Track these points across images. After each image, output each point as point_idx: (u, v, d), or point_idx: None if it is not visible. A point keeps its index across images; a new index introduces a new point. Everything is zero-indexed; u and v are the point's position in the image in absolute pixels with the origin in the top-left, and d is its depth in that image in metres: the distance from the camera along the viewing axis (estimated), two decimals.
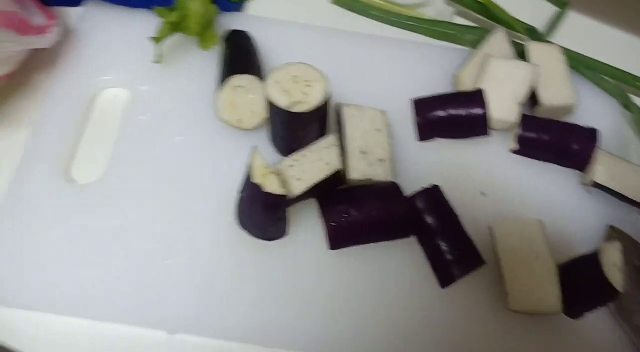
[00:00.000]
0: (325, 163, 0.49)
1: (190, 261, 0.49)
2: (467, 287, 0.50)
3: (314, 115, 0.49)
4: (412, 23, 0.65)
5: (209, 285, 0.48)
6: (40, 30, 0.52)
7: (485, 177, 0.55)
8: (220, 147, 0.54)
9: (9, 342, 0.46)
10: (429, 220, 0.50)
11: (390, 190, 0.50)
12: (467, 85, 0.58)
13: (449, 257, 0.48)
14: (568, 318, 0.49)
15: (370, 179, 0.50)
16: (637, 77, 0.64)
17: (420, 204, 0.50)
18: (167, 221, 0.50)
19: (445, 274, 0.49)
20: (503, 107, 0.55)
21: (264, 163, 0.45)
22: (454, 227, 0.50)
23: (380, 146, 0.52)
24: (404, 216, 0.49)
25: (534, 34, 0.65)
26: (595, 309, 0.48)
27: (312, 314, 0.48)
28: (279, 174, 0.46)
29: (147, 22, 0.59)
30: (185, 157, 0.54)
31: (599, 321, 0.50)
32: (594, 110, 0.61)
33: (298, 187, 0.48)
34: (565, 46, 0.62)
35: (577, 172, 0.56)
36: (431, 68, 0.61)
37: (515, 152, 0.56)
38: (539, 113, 0.58)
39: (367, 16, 0.66)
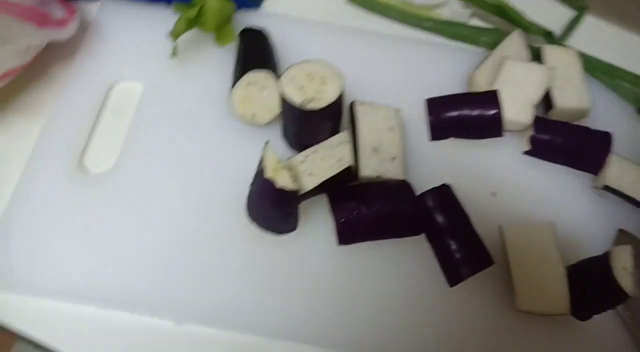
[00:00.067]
0: (336, 159, 0.49)
1: (199, 252, 0.49)
2: (475, 286, 0.50)
3: (327, 113, 0.49)
4: (428, 24, 0.65)
5: (217, 276, 0.49)
6: (59, 23, 0.53)
7: (497, 177, 0.55)
8: (233, 141, 0.55)
9: (20, 328, 0.47)
10: (439, 218, 0.50)
11: (401, 188, 0.50)
12: (481, 86, 0.58)
13: (458, 256, 0.48)
14: (576, 320, 0.48)
15: (381, 177, 0.50)
16: None
17: (430, 203, 0.50)
18: (177, 212, 0.51)
19: (454, 273, 0.49)
20: (517, 108, 0.55)
21: (276, 158, 0.46)
22: (464, 226, 0.50)
23: (392, 144, 0.52)
24: (414, 213, 0.49)
25: (550, 37, 0.65)
26: (603, 312, 0.48)
27: (318, 308, 0.48)
28: (290, 169, 0.47)
29: (164, 17, 0.59)
30: (197, 150, 0.54)
31: (607, 324, 0.50)
32: (608, 114, 0.61)
33: (309, 182, 0.48)
34: (581, 50, 0.62)
35: (589, 175, 0.56)
36: (445, 68, 0.62)
37: (528, 154, 0.56)
38: (553, 116, 0.58)
39: (382, 15, 0.67)
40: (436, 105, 0.56)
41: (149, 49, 0.58)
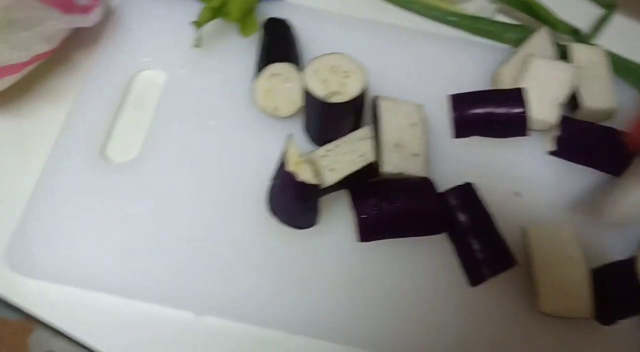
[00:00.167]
0: (358, 155, 0.49)
1: (219, 244, 0.49)
2: (496, 287, 0.49)
3: (350, 107, 0.49)
4: (453, 18, 0.65)
5: (237, 269, 0.49)
6: (84, 9, 0.53)
7: (520, 177, 0.55)
8: (254, 134, 0.54)
9: (40, 315, 0.47)
10: (461, 217, 0.49)
11: (423, 185, 0.49)
12: (506, 83, 0.57)
13: (480, 255, 0.48)
14: (600, 324, 0.48)
15: (403, 173, 0.50)
16: None
17: (452, 201, 0.50)
18: (198, 203, 0.51)
19: (476, 273, 0.48)
20: (543, 107, 0.54)
21: (298, 151, 0.45)
22: (487, 225, 0.49)
23: (415, 140, 0.51)
24: (436, 211, 0.49)
25: (577, 35, 0.64)
26: (628, 317, 0.47)
27: (336, 305, 0.48)
28: (311, 163, 0.46)
29: (188, 6, 0.59)
30: (218, 141, 0.54)
31: (632, 329, 0.49)
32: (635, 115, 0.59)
33: (330, 177, 0.47)
34: (608, 49, 0.61)
35: (614, 177, 0.55)
36: (470, 65, 0.61)
37: (552, 154, 0.55)
38: (579, 116, 0.56)
39: (407, 9, 0.66)
40: (460, 102, 0.56)
41: (173, 38, 0.58)
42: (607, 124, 0.56)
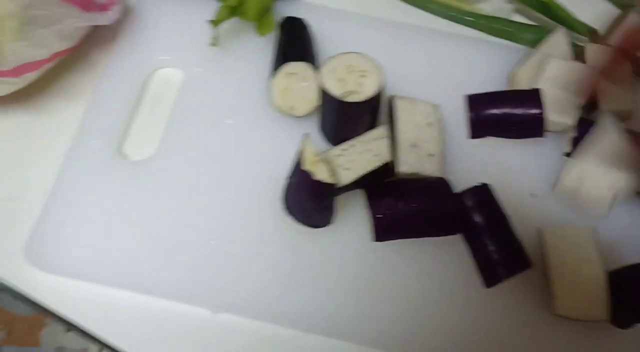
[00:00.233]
0: (374, 154, 0.49)
1: (235, 242, 0.50)
2: (511, 288, 0.49)
3: (367, 106, 0.49)
4: (469, 18, 0.64)
5: (252, 267, 0.49)
6: (102, 7, 0.54)
7: (536, 178, 0.54)
8: (270, 132, 0.55)
9: (55, 309, 0.48)
10: (477, 218, 0.49)
11: (439, 185, 0.49)
12: (523, 84, 0.57)
13: (496, 256, 0.48)
14: (616, 327, 0.47)
15: (419, 173, 0.50)
16: None
17: (468, 202, 0.50)
18: (213, 201, 0.51)
19: (491, 274, 0.48)
20: (560, 108, 0.53)
21: (315, 150, 0.46)
22: (503, 226, 0.49)
23: (431, 140, 0.51)
24: (452, 212, 0.49)
25: (594, 36, 0.63)
26: None
27: (350, 303, 0.48)
28: (327, 163, 0.46)
29: (205, 5, 0.59)
30: (234, 140, 0.54)
31: None
32: None
33: (346, 176, 0.48)
34: None
35: None
36: (486, 65, 0.60)
37: (569, 155, 0.55)
38: (596, 117, 0.56)
39: (424, 9, 0.65)
40: (477, 102, 0.55)
41: (190, 36, 0.58)
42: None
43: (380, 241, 0.49)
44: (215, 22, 0.55)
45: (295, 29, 0.59)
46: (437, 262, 0.50)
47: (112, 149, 0.53)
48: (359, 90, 0.48)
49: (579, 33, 0.63)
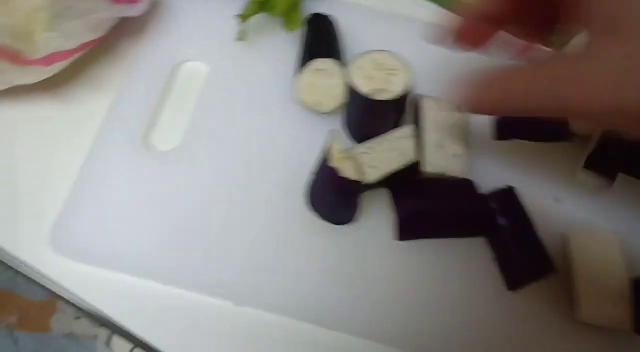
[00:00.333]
0: (399, 153, 0.49)
1: (258, 236, 0.50)
2: (533, 293, 0.49)
3: (395, 105, 0.48)
4: None
5: (274, 262, 0.49)
6: (132, 0, 0.54)
7: (561, 183, 0.54)
8: (295, 128, 0.55)
9: (80, 296, 0.48)
10: (502, 221, 0.49)
11: (465, 187, 0.49)
12: None
13: (520, 261, 0.47)
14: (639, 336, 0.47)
15: (444, 174, 0.50)
16: None
17: (494, 204, 0.49)
18: (238, 194, 0.51)
19: (514, 278, 0.48)
20: None
21: (342, 147, 0.46)
22: (528, 231, 0.49)
23: (457, 141, 0.51)
24: (477, 214, 0.48)
25: None
26: None
27: (372, 302, 0.48)
28: (353, 160, 0.46)
29: (233, 0, 0.59)
30: (259, 134, 0.54)
31: None
32: None
33: (371, 174, 0.47)
34: None
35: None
36: None
37: (588, 167, 0.54)
38: None
39: (451, 10, 0.65)
40: None
41: (217, 30, 0.58)
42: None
43: (404, 240, 0.49)
44: (243, 17, 0.55)
45: (322, 25, 0.58)
46: (460, 264, 0.50)
47: (138, 140, 0.53)
48: (387, 89, 0.48)
49: None
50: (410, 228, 0.48)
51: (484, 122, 0.56)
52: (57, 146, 0.54)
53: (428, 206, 0.48)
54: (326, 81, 0.53)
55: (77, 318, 1.40)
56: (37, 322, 1.44)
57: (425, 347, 0.47)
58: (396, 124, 0.52)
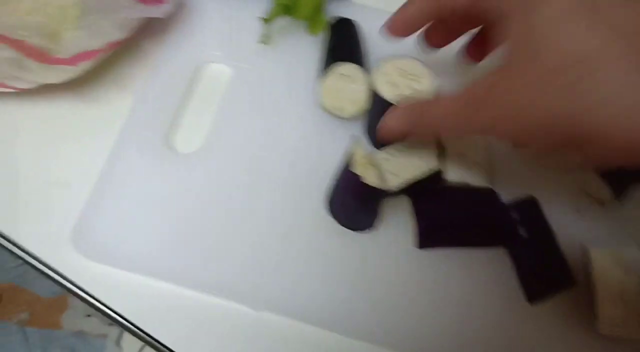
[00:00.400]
0: (421, 161, 0.48)
1: (277, 241, 0.50)
2: (554, 305, 0.48)
3: None
4: None
5: (293, 267, 0.49)
6: (158, 0, 0.54)
7: (583, 194, 0.53)
8: (316, 132, 0.55)
9: (104, 300, 0.48)
10: (523, 232, 0.48)
11: (487, 196, 0.49)
12: None
13: (541, 273, 0.47)
14: None
15: (466, 183, 0.49)
16: None
17: (515, 215, 0.49)
18: (257, 197, 0.51)
19: (534, 290, 0.48)
20: None
21: (364, 153, 0.45)
22: (549, 242, 0.48)
23: (478, 150, 0.51)
24: (499, 224, 0.48)
25: None
26: None
27: (390, 309, 0.48)
28: (375, 166, 0.46)
29: (256, 2, 0.59)
30: (280, 137, 0.54)
31: None
32: None
33: (393, 181, 0.47)
34: None
35: None
36: None
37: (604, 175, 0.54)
38: None
39: None
40: None
41: (240, 32, 0.59)
42: None
43: (424, 248, 0.49)
44: (267, 20, 0.55)
45: (345, 29, 0.58)
46: (479, 274, 0.50)
47: (159, 141, 0.53)
48: (410, 96, 0.48)
49: None
50: (430, 236, 0.48)
51: None
52: (79, 145, 0.54)
53: (449, 214, 0.48)
54: (349, 86, 0.53)
55: (88, 316, 1.41)
56: (47, 318, 1.45)
57: None
58: None
